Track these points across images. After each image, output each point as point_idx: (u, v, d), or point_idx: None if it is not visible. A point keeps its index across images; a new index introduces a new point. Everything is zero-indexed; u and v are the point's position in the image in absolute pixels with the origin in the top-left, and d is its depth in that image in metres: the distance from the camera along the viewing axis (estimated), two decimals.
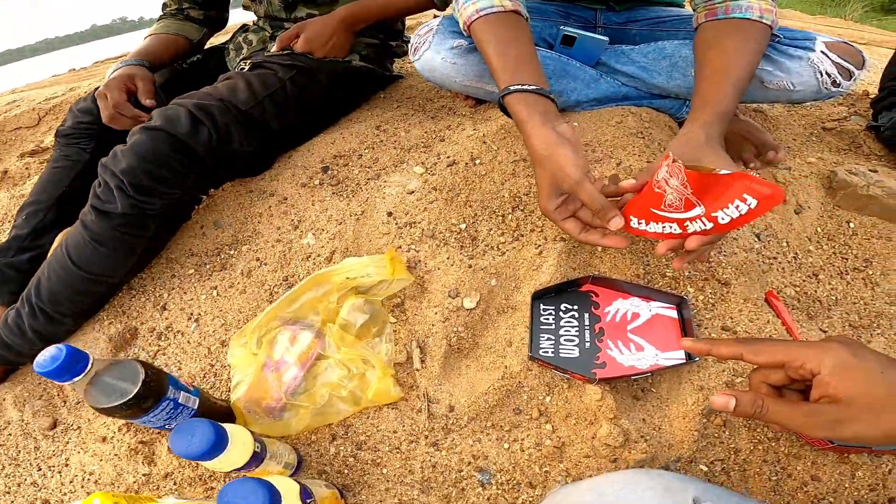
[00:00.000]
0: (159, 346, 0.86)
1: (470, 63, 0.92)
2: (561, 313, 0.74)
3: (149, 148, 0.81)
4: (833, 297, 0.79)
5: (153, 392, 0.55)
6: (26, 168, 1.55)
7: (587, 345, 0.70)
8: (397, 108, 1.16)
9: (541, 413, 0.69)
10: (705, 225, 0.55)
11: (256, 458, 0.56)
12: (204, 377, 0.80)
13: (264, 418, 0.70)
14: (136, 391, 0.52)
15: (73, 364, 0.50)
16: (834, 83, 0.83)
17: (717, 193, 0.53)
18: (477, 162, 0.88)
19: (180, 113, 0.85)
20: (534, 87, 0.70)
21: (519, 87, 0.70)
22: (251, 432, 0.57)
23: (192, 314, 0.87)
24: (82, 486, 0.73)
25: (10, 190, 1.44)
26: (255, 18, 1.25)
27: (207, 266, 0.92)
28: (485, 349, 0.75)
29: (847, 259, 0.84)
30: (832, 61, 0.82)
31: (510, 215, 0.83)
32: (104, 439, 0.76)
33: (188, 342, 0.85)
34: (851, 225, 0.87)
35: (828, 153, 1.00)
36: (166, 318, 0.88)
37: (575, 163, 0.62)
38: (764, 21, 0.76)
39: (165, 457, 0.72)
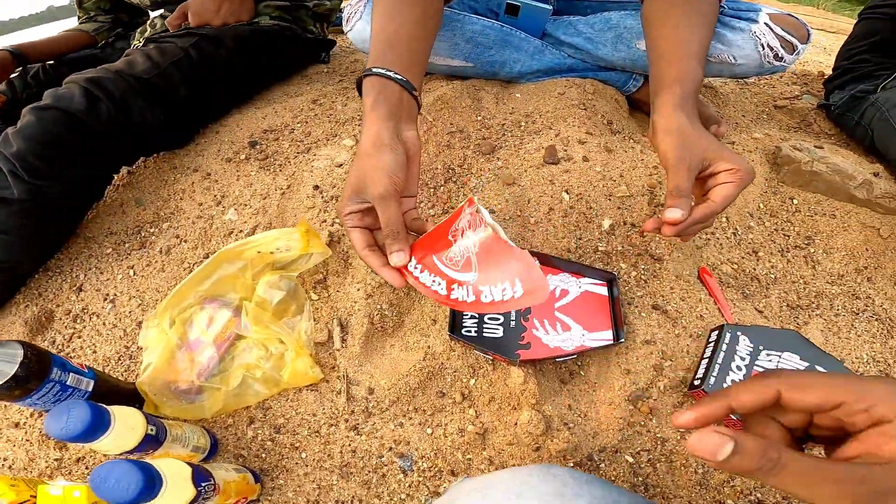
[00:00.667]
0: (75, 328, 0.82)
1: None
2: None
3: (38, 129, 0.76)
4: (772, 276, 0.77)
5: (34, 374, 0.52)
6: None
7: (512, 324, 0.67)
8: (339, 82, 1.10)
9: (464, 397, 0.66)
10: (468, 296, 0.49)
11: (151, 441, 0.53)
12: (119, 360, 0.76)
13: (174, 401, 0.66)
14: (13, 373, 0.50)
15: None
16: (776, 57, 0.79)
17: (495, 265, 0.47)
18: None
19: (73, 90, 0.80)
20: (397, 77, 0.58)
21: (381, 70, 0.58)
22: (149, 415, 0.54)
23: (107, 295, 0.82)
24: None
25: None
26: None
27: (126, 245, 0.87)
28: (410, 328, 0.72)
29: (789, 236, 0.81)
30: (775, 34, 0.79)
31: (442, 187, 0.79)
32: (17, 425, 0.73)
33: (103, 324, 0.80)
34: (795, 201, 0.84)
35: (776, 130, 0.97)
36: (82, 300, 0.84)
37: (391, 175, 0.52)
38: None
39: None
